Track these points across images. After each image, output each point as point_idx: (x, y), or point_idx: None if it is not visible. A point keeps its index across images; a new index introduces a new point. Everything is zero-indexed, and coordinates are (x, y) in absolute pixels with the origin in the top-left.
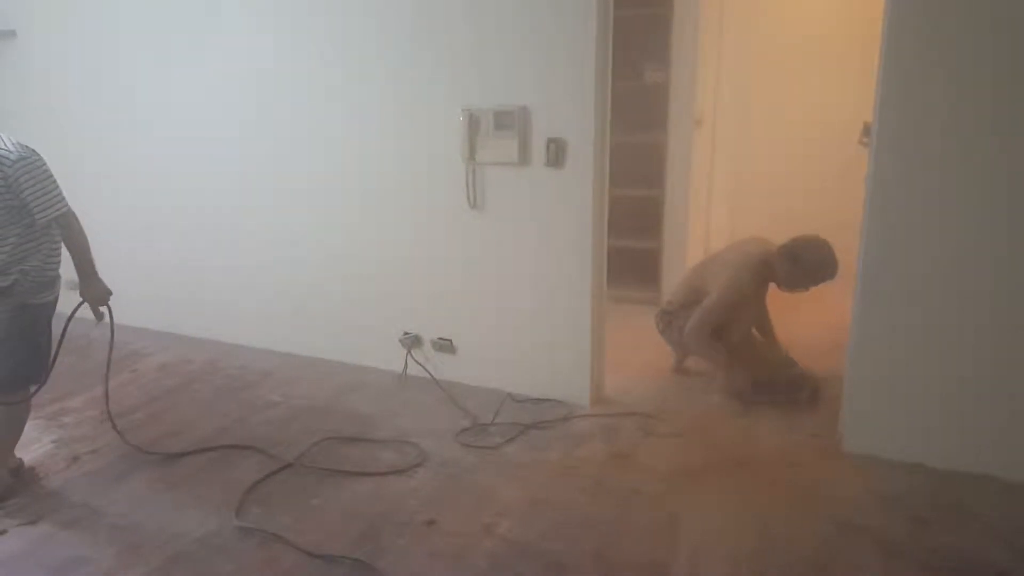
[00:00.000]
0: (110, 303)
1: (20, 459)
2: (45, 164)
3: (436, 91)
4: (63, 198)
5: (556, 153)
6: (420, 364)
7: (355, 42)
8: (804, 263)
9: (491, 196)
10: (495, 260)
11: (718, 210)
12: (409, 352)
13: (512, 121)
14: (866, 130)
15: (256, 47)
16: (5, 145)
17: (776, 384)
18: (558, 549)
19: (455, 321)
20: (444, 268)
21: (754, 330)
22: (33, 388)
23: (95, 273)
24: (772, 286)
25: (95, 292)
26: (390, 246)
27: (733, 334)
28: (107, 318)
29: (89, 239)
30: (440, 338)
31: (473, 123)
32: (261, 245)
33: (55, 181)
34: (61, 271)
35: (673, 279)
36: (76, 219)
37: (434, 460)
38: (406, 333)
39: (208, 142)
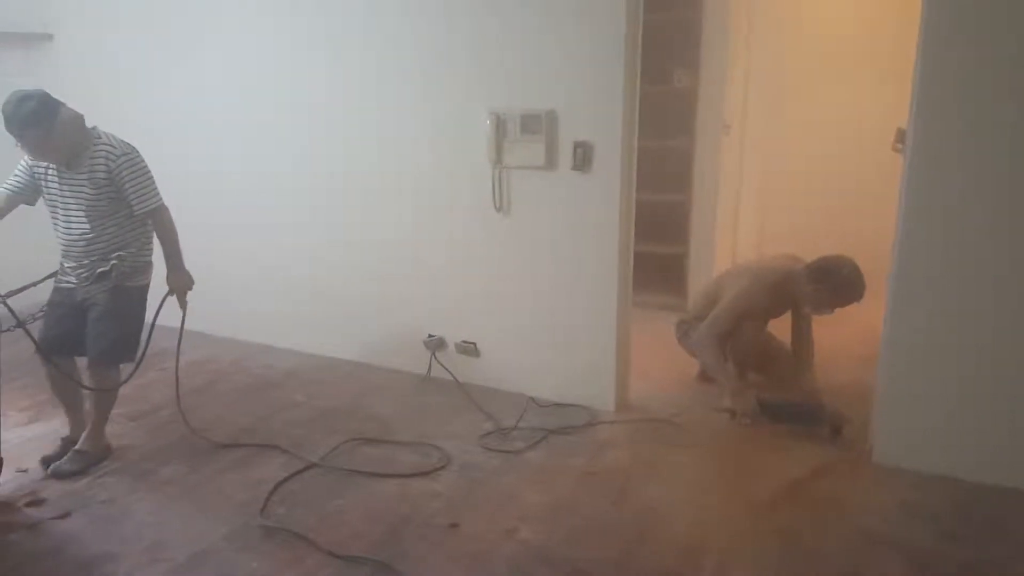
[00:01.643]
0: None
1: (107, 438)
2: (144, 161)
3: (464, 94)
4: (158, 193)
5: (583, 157)
6: (444, 367)
7: (384, 45)
8: (831, 283)
9: (517, 200)
10: (520, 264)
11: (746, 216)
12: (433, 355)
13: (539, 125)
14: (900, 136)
15: (286, 52)
16: (110, 142)
17: (794, 412)
18: (580, 556)
19: (479, 324)
20: (469, 271)
21: (789, 350)
22: (123, 366)
23: (182, 264)
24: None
25: (181, 281)
26: (416, 248)
27: (739, 345)
28: (182, 309)
29: None
30: (464, 341)
31: (500, 126)
32: (288, 247)
33: (152, 177)
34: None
35: (699, 285)
36: (168, 213)
37: (457, 463)
38: (430, 336)
39: (238, 144)
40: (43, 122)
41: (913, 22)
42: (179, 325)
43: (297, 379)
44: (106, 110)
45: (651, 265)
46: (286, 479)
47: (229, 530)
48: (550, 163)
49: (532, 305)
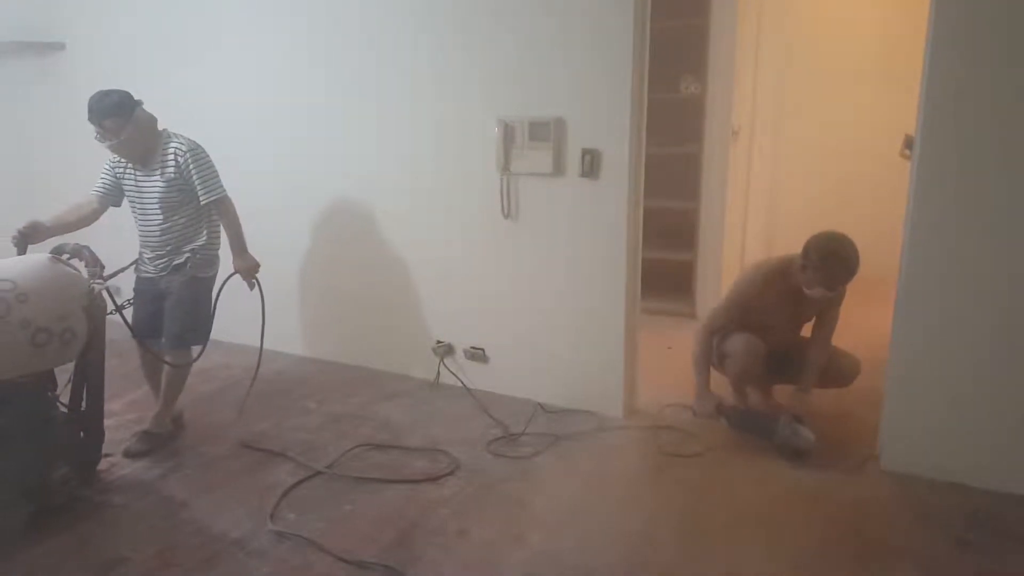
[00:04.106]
0: (258, 276)
1: (181, 410)
2: (208, 156)
3: (472, 102)
4: (222, 184)
5: (591, 164)
6: (453, 372)
7: (393, 51)
8: (814, 257)
9: (525, 206)
10: (528, 270)
11: (754, 222)
12: (442, 361)
13: (547, 132)
14: (908, 142)
15: (296, 59)
16: (179, 139)
17: (750, 424)
18: (589, 562)
19: (488, 330)
20: (477, 277)
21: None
22: (196, 349)
23: (246, 249)
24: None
25: (247, 265)
26: (424, 255)
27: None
28: (258, 289)
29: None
30: (472, 347)
31: (508, 133)
32: (297, 254)
33: (216, 170)
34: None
35: (707, 291)
36: (231, 203)
37: (466, 469)
38: (439, 342)
39: (248, 150)
40: (122, 113)
41: (921, 29)
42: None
43: (308, 385)
44: None
45: (659, 271)
46: (296, 485)
47: (240, 535)
48: (558, 170)
49: (540, 311)
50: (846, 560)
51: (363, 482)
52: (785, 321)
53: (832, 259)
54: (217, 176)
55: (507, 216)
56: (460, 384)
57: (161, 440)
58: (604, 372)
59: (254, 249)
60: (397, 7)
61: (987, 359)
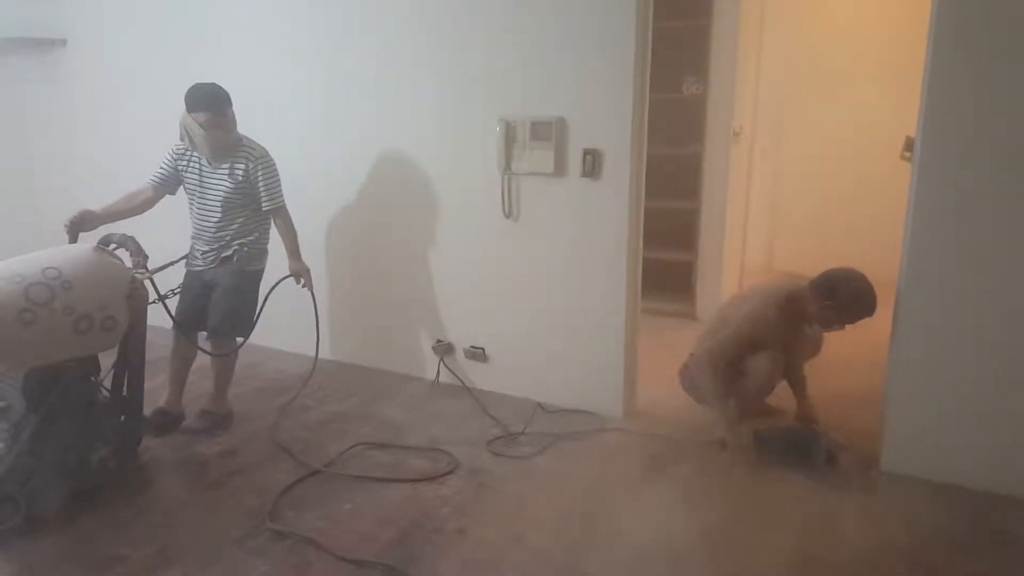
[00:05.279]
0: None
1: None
2: (275, 164)
3: (474, 101)
4: (283, 194)
5: (592, 164)
6: (452, 372)
7: (395, 50)
8: (840, 299)
9: (526, 206)
10: (529, 270)
11: (755, 223)
12: (441, 360)
13: (549, 132)
14: (909, 144)
15: (299, 56)
16: (251, 144)
17: (791, 444)
18: (588, 562)
19: (487, 330)
20: (478, 277)
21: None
22: (240, 340)
23: (300, 254)
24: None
25: (302, 267)
26: (424, 254)
27: (746, 366)
28: (310, 294)
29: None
30: (472, 347)
31: (510, 133)
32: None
33: (280, 179)
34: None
35: (708, 292)
36: (288, 213)
37: (465, 468)
38: (439, 341)
39: None
40: (230, 105)
41: (922, 30)
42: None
43: (308, 384)
44: (119, 114)
45: (660, 272)
46: (295, 483)
47: (239, 534)
48: (559, 170)
49: (540, 311)
50: (846, 561)
51: (363, 481)
52: (779, 343)
53: (859, 305)
54: (280, 185)
55: (508, 216)
56: (460, 383)
57: (218, 420)
58: (604, 372)
59: None
60: (398, 6)
61: (988, 361)
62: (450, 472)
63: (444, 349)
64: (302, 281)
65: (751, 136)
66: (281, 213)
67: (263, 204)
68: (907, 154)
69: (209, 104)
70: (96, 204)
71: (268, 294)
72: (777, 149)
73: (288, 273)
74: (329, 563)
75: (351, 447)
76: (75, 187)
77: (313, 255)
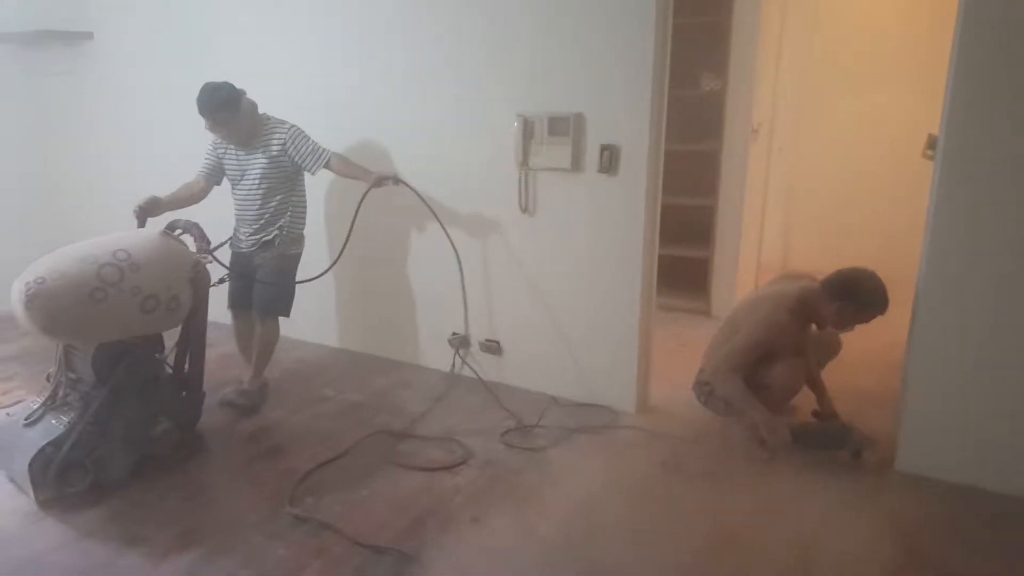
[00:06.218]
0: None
1: (267, 378)
2: (305, 132)
3: (492, 97)
4: (324, 148)
5: (610, 160)
6: (468, 364)
7: (414, 46)
8: (857, 299)
9: (543, 201)
10: (545, 265)
11: (772, 220)
12: (457, 352)
13: (566, 127)
14: (931, 142)
15: (319, 52)
16: (279, 120)
17: (825, 438)
18: (598, 554)
19: (503, 323)
20: (494, 271)
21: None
22: (281, 319)
23: (368, 171)
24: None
25: (378, 174)
26: (442, 247)
27: (768, 376)
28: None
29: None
30: (488, 340)
31: (528, 129)
32: (320, 245)
33: (315, 141)
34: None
35: (723, 289)
36: (337, 156)
37: (480, 459)
38: (455, 333)
39: None
40: (231, 106)
41: (946, 28)
42: (214, 319)
43: (328, 373)
44: (145, 107)
45: (676, 268)
46: (314, 469)
47: (258, 518)
48: (576, 165)
49: (556, 306)
50: (862, 562)
51: (379, 469)
52: (794, 347)
53: (875, 304)
54: (318, 145)
55: (525, 211)
56: (475, 376)
57: (254, 397)
58: (618, 368)
59: None
60: (417, 3)
61: (1006, 361)
62: (464, 462)
63: (460, 342)
64: (388, 182)
65: (769, 133)
66: (333, 162)
67: (310, 169)
68: (929, 152)
69: (202, 112)
70: (129, 196)
71: (310, 279)
72: (795, 146)
73: (374, 182)
74: (346, 547)
75: (369, 435)
76: (102, 178)
77: (332, 248)
